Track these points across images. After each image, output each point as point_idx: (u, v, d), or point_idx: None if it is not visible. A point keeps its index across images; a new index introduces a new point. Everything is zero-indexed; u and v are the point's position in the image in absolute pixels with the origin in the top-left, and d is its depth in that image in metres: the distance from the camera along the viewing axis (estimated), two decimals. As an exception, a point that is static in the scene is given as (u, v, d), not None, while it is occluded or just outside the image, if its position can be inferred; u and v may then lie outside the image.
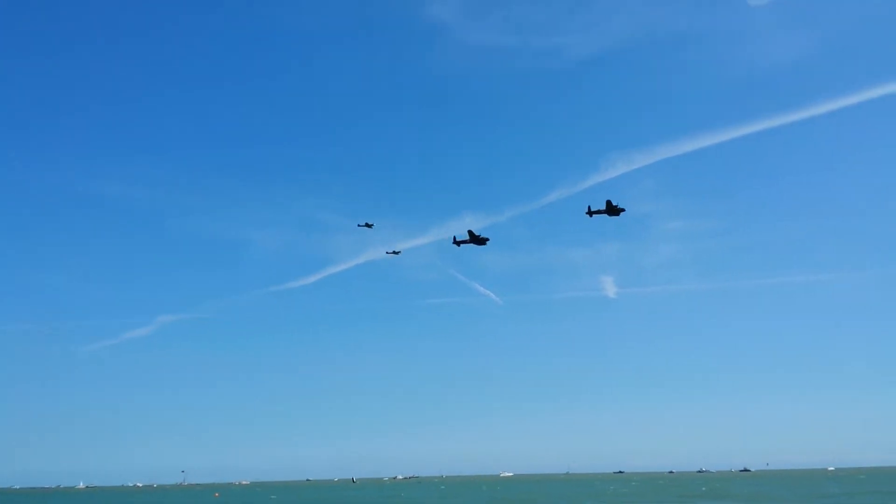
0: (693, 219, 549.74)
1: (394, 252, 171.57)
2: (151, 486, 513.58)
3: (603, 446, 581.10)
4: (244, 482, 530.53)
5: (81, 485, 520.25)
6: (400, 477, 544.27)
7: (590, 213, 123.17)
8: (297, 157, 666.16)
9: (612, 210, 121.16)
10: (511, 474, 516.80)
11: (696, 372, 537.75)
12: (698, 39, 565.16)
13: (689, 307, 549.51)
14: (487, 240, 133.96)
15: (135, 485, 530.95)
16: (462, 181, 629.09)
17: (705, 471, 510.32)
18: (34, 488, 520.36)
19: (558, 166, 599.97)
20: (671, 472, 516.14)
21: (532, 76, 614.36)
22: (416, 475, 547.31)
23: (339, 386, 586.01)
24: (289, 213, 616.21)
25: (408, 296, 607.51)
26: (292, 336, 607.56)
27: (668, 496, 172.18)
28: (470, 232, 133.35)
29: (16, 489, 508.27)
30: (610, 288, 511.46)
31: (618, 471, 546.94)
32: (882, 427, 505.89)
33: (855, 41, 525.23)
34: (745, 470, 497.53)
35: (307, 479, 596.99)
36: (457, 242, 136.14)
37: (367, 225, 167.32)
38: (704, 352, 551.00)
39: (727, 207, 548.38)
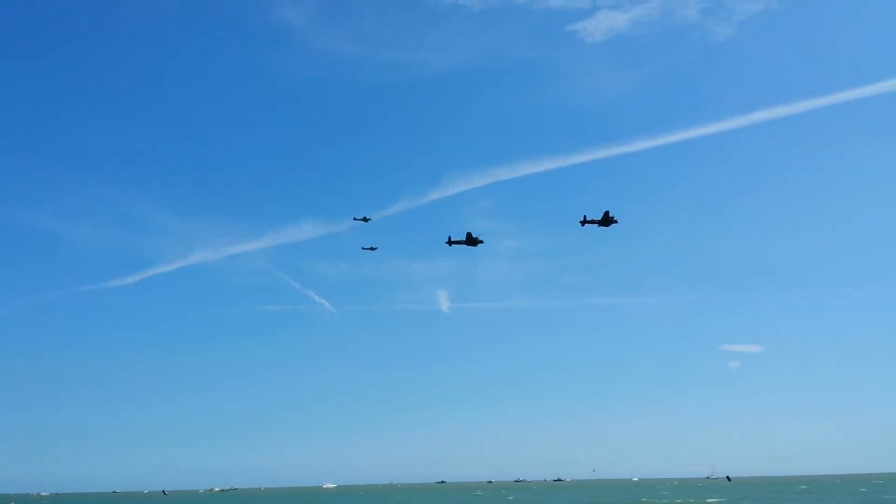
0: (524, 239, 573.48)
1: (371, 248, 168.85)
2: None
3: (427, 456, 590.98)
4: (43, 493, 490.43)
5: None
6: (217, 489, 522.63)
7: (584, 222, 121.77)
8: (123, 151, 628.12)
9: (607, 221, 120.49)
10: (334, 486, 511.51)
11: (517, 385, 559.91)
12: (539, 69, 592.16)
13: (517, 323, 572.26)
14: (482, 241, 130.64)
15: None
16: (301, 187, 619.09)
17: (522, 480, 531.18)
18: None
19: (400, 180, 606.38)
20: (490, 481, 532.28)
21: (379, 89, 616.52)
22: (236, 487, 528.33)
23: (152, 392, 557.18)
24: (108, 207, 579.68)
25: (237, 301, 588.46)
26: (106, 339, 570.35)
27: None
28: (469, 234, 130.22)
29: None
30: (444, 302, 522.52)
31: (440, 481, 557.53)
32: (679, 442, 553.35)
33: (675, 84, 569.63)
34: (559, 480, 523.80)
35: (114, 492, 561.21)
36: (450, 242, 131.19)
37: (364, 219, 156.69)
38: (526, 366, 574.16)
39: (555, 231, 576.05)
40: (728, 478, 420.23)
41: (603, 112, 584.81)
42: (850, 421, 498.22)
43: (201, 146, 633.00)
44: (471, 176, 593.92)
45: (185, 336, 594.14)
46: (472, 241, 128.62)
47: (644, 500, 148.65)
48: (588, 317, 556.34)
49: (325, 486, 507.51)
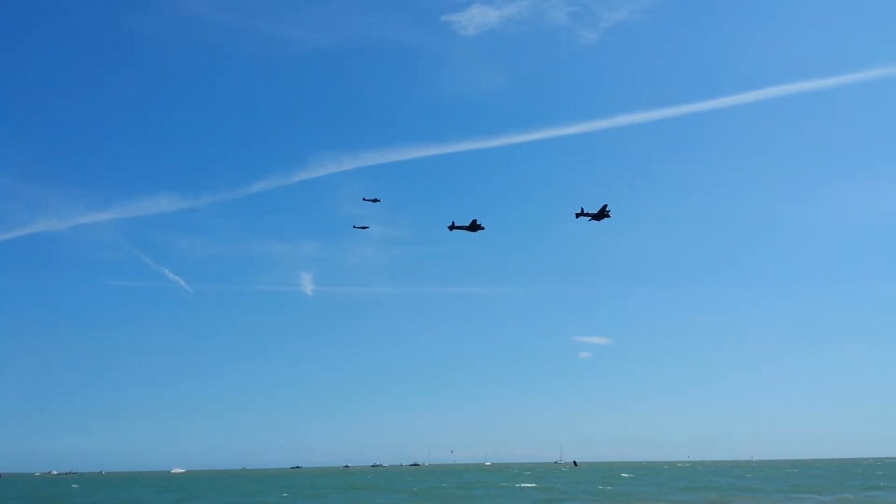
0: (392, 226, 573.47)
1: (362, 227, 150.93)
2: None
3: (280, 441, 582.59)
4: None
5: None
6: (55, 472, 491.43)
7: (579, 214, 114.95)
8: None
9: (601, 215, 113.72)
10: (182, 470, 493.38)
11: (376, 370, 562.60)
12: (414, 57, 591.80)
13: (381, 309, 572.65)
14: (482, 228, 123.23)
15: None
16: (158, 158, 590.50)
17: (379, 465, 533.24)
18: None
19: (267, 157, 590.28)
20: (347, 466, 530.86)
21: (250, 62, 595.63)
22: (74, 471, 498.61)
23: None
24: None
25: (82, 274, 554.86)
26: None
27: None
28: (474, 221, 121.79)
29: None
30: (308, 285, 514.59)
31: (294, 466, 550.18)
32: (531, 428, 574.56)
33: (543, 84, 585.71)
34: (416, 464, 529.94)
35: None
36: (453, 227, 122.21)
37: (374, 200, 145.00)
38: (387, 352, 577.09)
39: (422, 218, 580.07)
40: (575, 462, 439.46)
41: (473, 105, 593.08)
42: (690, 410, 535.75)
43: (52, 108, 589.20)
44: (340, 158, 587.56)
45: (24, 307, 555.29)
46: (475, 227, 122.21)
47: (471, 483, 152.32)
48: (450, 304, 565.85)
49: (173, 471, 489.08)
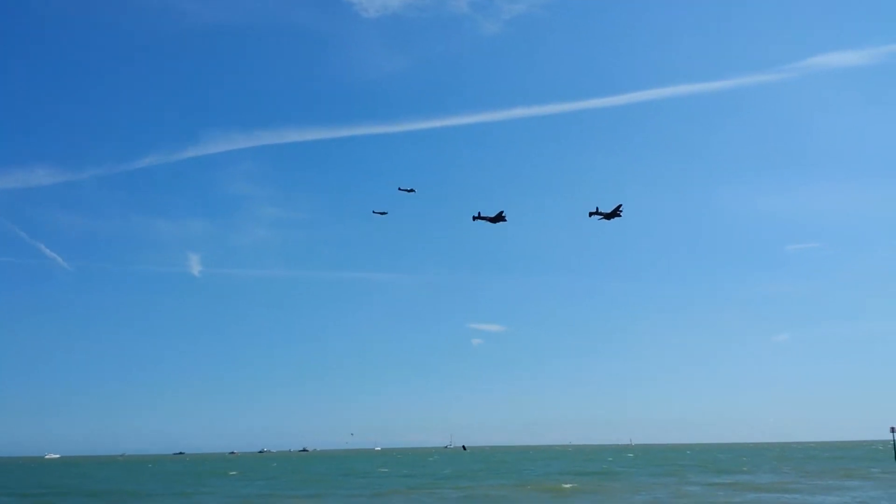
0: (286, 208, 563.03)
1: (381, 212, 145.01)
2: None
3: (163, 427, 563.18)
4: None
5: None
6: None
7: (593, 213, 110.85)
8: None
9: (613, 214, 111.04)
10: (57, 456, 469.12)
11: (266, 355, 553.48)
12: (314, 37, 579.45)
13: (273, 293, 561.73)
14: (504, 220, 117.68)
15: None
16: (36, 130, 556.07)
17: (266, 451, 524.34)
18: None
19: (155, 132, 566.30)
20: (233, 452, 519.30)
21: (140, 33, 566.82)
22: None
23: None
24: None
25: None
26: None
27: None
28: (500, 213, 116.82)
29: None
30: (195, 266, 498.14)
31: (178, 452, 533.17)
32: (424, 413, 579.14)
33: (443, 72, 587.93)
34: (304, 450, 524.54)
35: None
36: (480, 218, 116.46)
37: (409, 190, 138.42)
38: (279, 336, 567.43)
39: (317, 201, 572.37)
40: (464, 447, 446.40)
41: (373, 88, 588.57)
42: (576, 397, 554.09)
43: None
44: (233, 137, 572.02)
45: None
46: (498, 218, 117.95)
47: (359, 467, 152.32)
48: (344, 290, 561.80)
49: (47, 457, 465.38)
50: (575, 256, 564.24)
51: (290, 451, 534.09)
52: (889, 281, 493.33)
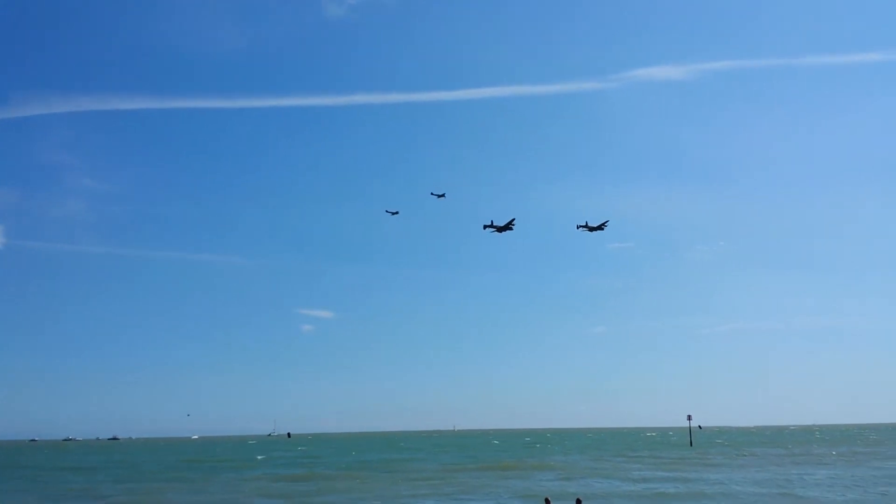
0: (105, 180, 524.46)
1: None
2: None
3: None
4: None
5: None
6: None
7: (581, 227, 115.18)
8: None
9: (599, 228, 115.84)
10: None
11: (72, 338, 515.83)
12: (143, 3, 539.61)
13: (89, 270, 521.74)
14: (511, 229, 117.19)
15: None
16: None
17: (71, 439, 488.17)
18: None
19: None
20: (34, 440, 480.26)
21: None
22: None
23: None
24: None
25: None
26: None
27: None
28: (511, 221, 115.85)
29: None
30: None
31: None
32: (248, 399, 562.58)
33: (286, 50, 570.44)
34: (115, 438, 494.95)
35: None
36: (490, 227, 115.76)
37: (440, 195, 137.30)
38: (91, 319, 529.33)
39: (139, 175, 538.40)
40: (289, 434, 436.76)
41: (208, 62, 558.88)
42: (406, 384, 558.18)
43: None
44: (49, 99, 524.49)
45: None
46: (508, 227, 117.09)
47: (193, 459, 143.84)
48: (165, 270, 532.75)
49: None
50: (406, 246, 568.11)
51: (97, 438, 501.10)
52: (692, 279, 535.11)
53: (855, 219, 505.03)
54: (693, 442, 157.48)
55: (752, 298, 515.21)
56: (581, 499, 46.03)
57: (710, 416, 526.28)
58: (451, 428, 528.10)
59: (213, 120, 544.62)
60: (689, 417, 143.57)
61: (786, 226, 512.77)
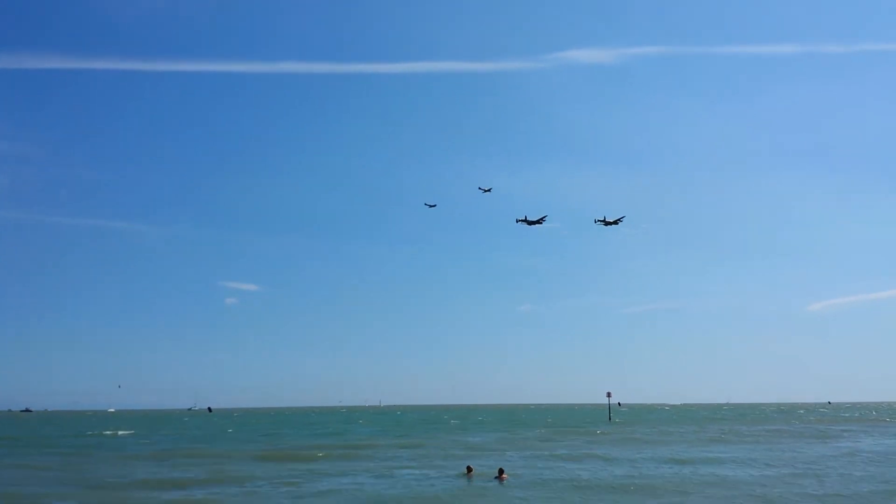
0: (15, 141, 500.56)
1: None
2: None
3: None
4: None
5: None
6: None
7: (599, 221, 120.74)
8: None
9: (615, 222, 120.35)
10: None
11: (5, 309, 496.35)
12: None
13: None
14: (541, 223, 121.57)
15: None
16: None
17: None
18: None
19: None
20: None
21: None
22: None
23: None
24: None
25: None
26: None
27: None
28: (545, 217, 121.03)
29: None
30: None
31: None
32: (166, 373, 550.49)
33: (206, 13, 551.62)
34: (27, 410, 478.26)
35: None
36: (523, 221, 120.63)
37: (486, 189, 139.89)
38: (20, 289, 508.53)
39: (52, 137, 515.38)
40: (209, 409, 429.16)
41: (128, 23, 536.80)
42: (334, 360, 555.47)
43: None
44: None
45: None
46: (540, 221, 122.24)
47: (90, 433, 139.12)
48: (83, 237, 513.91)
49: None
50: (335, 218, 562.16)
51: (10, 410, 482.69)
52: (615, 261, 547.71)
53: (769, 205, 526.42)
54: (612, 418, 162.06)
55: (672, 280, 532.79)
56: (503, 468, 46.35)
57: (631, 393, 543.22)
58: (377, 403, 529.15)
59: (132, 83, 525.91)
60: (609, 395, 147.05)
61: (706, 210, 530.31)
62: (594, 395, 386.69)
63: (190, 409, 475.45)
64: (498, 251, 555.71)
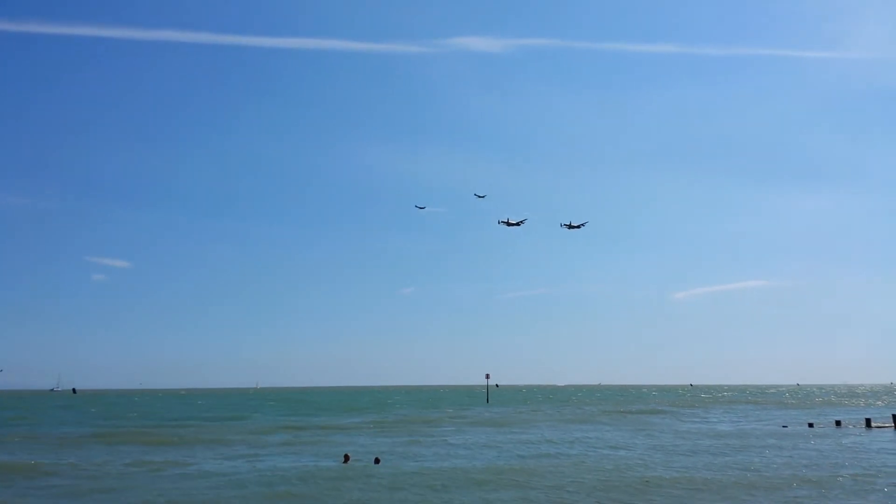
0: None
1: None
2: None
3: None
4: None
5: None
6: None
7: (564, 225, 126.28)
8: None
9: (579, 226, 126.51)
10: None
11: None
12: None
13: None
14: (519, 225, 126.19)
15: None
16: None
17: None
18: None
19: None
20: None
21: None
22: None
23: None
24: None
25: None
26: None
27: None
28: (525, 219, 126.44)
29: None
30: None
31: None
32: (32, 353, 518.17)
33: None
34: None
35: None
36: (504, 223, 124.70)
37: (480, 196, 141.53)
38: None
39: None
40: (74, 390, 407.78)
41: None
42: (207, 340, 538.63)
43: None
44: None
45: None
46: (520, 223, 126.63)
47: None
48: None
49: None
50: (210, 194, 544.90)
51: None
52: (497, 247, 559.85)
53: (642, 199, 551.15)
54: (490, 399, 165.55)
55: (551, 267, 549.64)
56: (379, 458, 46.11)
57: (510, 375, 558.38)
58: (254, 385, 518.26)
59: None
60: (488, 376, 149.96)
61: (583, 200, 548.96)
62: (475, 377, 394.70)
63: (52, 391, 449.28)
64: (381, 233, 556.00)
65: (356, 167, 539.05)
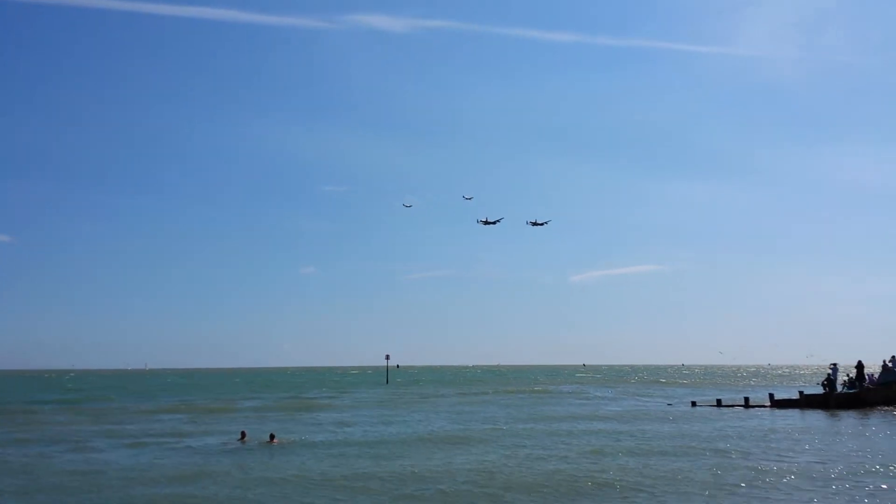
0: None
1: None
2: None
3: None
4: None
5: None
6: None
7: (531, 222, 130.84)
8: None
9: (542, 224, 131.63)
10: None
11: None
12: None
13: None
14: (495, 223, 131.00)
15: None
16: None
17: None
18: None
19: None
20: None
21: None
22: None
23: None
24: None
25: None
26: None
27: None
28: (502, 218, 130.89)
29: None
30: None
31: None
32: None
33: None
34: None
35: None
36: (485, 222, 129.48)
37: (468, 198, 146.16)
38: None
39: None
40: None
41: None
42: (96, 320, 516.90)
43: None
44: None
45: None
46: (497, 221, 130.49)
47: None
48: None
49: None
50: (99, 166, 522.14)
51: None
52: (399, 227, 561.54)
53: (539, 184, 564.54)
54: (389, 380, 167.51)
55: (451, 249, 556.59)
56: (274, 433, 46.97)
57: (411, 355, 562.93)
58: (144, 367, 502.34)
59: None
60: (388, 357, 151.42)
61: (483, 184, 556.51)
62: (375, 358, 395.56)
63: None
64: (279, 210, 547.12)
65: (249, 141, 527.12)
